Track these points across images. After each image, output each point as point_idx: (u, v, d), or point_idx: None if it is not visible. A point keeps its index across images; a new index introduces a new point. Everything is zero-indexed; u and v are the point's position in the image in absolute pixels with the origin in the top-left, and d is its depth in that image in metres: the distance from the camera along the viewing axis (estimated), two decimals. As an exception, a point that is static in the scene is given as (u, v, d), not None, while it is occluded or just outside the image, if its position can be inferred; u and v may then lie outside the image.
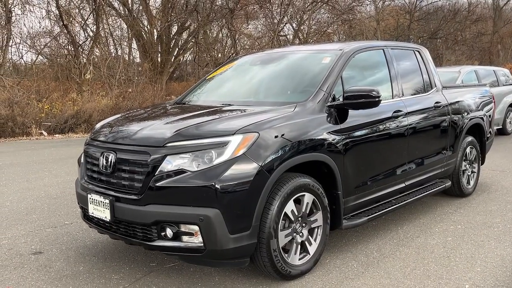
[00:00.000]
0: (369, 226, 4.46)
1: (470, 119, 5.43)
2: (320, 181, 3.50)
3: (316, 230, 3.50)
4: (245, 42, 25.71)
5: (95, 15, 18.03)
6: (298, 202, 3.36)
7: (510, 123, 11.64)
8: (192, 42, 22.21)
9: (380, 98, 3.70)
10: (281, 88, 4.23)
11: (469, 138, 5.53)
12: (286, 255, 3.28)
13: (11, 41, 16.72)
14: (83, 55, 17.60)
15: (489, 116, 5.96)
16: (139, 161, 3.15)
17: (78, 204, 3.81)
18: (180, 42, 22.53)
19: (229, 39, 25.06)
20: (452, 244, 3.99)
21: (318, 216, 3.49)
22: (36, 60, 18.93)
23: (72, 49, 17.43)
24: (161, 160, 3.05)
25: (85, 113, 14.03)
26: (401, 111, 4.32)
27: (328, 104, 3.68)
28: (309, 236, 3.45)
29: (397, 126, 4.25)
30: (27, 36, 18.59)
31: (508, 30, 37.16)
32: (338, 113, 3.71)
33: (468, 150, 5.50)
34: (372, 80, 4.50)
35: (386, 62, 4.51)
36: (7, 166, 8.10)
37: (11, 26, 16.15)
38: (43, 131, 13.35)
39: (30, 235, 4.42)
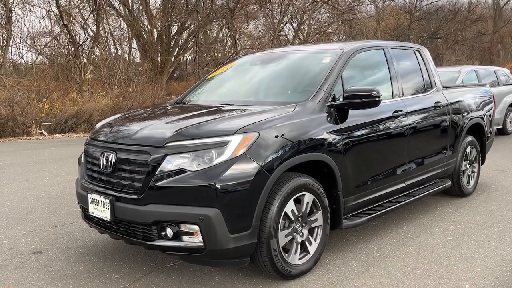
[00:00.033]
0: (369, 226, 4.47)
1: (470, 119, 5.43)
2: (320, 181, 3.50)
3: (316, 229, 3.50)
4: (245, 42, 25.72)
5: (95, 15, 18.04)
6: (298, 201, 3.36)
7: (510, 123, 11.64)
8: (192, 42, 22.22)
9: (380, 98, 3.70)
10: (281, 88, 4.23)
11: (469, 138, 5.53)
12: (286, 254, 3.28)
13: (11, 41, 16.76)
14: (83, 55, 17.62)
15: (489, 116, 5.96)
16: (139, 161, 3.15)
17: (78, 203, 3.81)
18: (180, 42, 22.54)
19: (229, 39, 25.06)
20: (452, 243, 3.99)
21: (318, 215, 3.49)
22: (36, 60, 18.96)
23: (72, 49, 17.45)
24: (161, 160, 3.06)
25: (85, 113, 14.04)
26: (401, 111, 4.32)
27: (328, 104, 3.69)
28: (309, 236, 3.46)
29: (397, 126, 4.25)
30: (27, 36, 18.66)
31: (508, 30, 37.15)
32: (338, 113, 3.71)
33: (468, 150, 5.50)
34: (372, 80, 4.50)
35: (386, 62, 4.51)
36: (8, 166, 8.11)
37: (11, 26, 16.18)
38: (43, 131, 13.35)
39: (30, 234, 4.42)
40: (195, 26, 20.58)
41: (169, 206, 3.02)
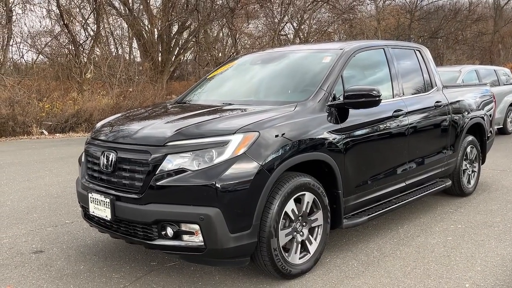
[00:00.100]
0: (370, 225, 4.47)
1: (471, 118, 5.43)
2: (320, 180, 3.50)
3: (316, 229, 3.50)
4: (246, 41, 25.72)
5: (95, 15, 18.05)
6: (298, 201, 3.36)
7: (510, 122, 11.63)
8: (193, 41, 22.21)
9: (381, 98, 3.70)
10: (282, 87, 4.23)
11: (470, 138, 5.53)
12: (286, 254, 3.29)
13: (11, 40, 16.74)
14: (84, 54, 17.62)
15: (490, 115, 5.96)
16: (140, 160, 3.15)
17: (79, 203, 3.81)
18: (180, 42, 22.53)
19: (229, 38, 25.08)
20: (453, 243, 4.00)
21: (319, 215, 3.49)
22: (36, 59, 18.95)
23: (73, 48, 17.45)
24: (161, 159, 3.06)
25: (85, 113, 14.04)
26: (401, 110, 4.32)
27: (329, 103, 3.69)
28: (310, 235, 3.46)
29: (397, 125, 4.25)
30: (27, 35, 18.67)
31: (508, 29, 37.13)
32: (338, 112, 3.71)
33: (468, 149, 5.50)
34: (373, 80, 4.51)
35: (386, 61, 4.51)
36: (8, 165, 8.11)
37: (12, 26, 16.17)
38: (43, 130, 13.36)
39: (30, 234, 4.42)
40: (196, 25, 20.57)
41: (169, 205, 3.02)
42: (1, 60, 15.85)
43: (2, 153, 9.67)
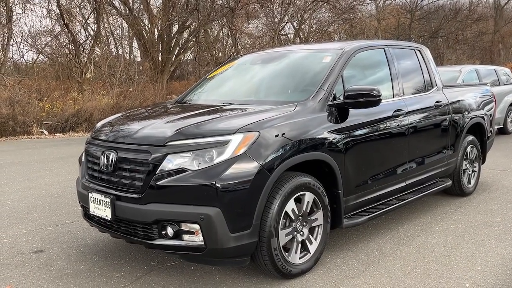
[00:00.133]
0: (370, 225, 4.47)
1: (471, 118, 5.43)
2: (320, 180, 3.50)
3: (316, 229, 3.50)
4: (246, 41, 25.71)
5: (96, 14, 18.05)
6: (298, 201, 3.36)
7: (511, 122, 11.63)
8: (193, 41, 22.21)
9: (381, 97, 3.70)
10: (282, 87, 4.23)
11: (470, 137, 5.53)
12: (286, 254, 3.29)
13: (12, 40, 16.75)
14: (84, 54, 17.62)
15: (490, 115, 5.95)
16: (140, 160, 3.16)
17: (79, 203, 3.81)
18: (181, 41, 22.53)
19: (229, 38, 25.07)
20: (453, 243, 4.00)
21: (319, 215, 3.49)
22: (37, 59, 18.94)
23: (73, 48, 17.45)
24: (162, 159, 3.06)
25: (86, 112, 14.04)
26: (401, 110, 4.32)
27: (329, 103, 3.69)
28: (310, 235, 3.46)
29: (397, 125, 4.25)
30: (28, 35, 18.67)
31: (509, 29, 37.11)
32: (338, 112, 3.71)
33: (468, 149, 5.50)
34: (373, 79, 4.51)
35: (387, 61, 4.51)
36: (8, 165, 8.12)
37: (12, 25, 16.17)
38: (44, 130, 13.36)
39: (31, 233, 4.42)
40: (196, 25, 20.57)
41: (169, 205, 3.02)
42: (2, 59, 15.86)
43: (2, 153, 9.67)
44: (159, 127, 3.36)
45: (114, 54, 21.24)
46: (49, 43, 18.72)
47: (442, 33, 33.24)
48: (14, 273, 3.52)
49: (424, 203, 5.23)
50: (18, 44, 17.76)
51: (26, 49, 19.70)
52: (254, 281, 3.32)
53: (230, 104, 3.94)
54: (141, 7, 21.36)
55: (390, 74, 4.49)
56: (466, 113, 5.35)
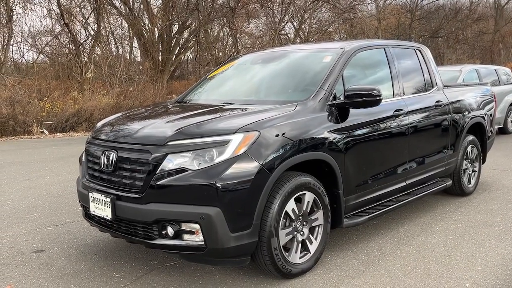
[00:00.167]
0: (370, 225, 4.47)
1: (471, 118, 5.43)
2: (321, 180, 3.50)
3: (317, 228, 3.50)
4: (246, 41, 25.69)
5: (96, 14, 18.06)
6: (299, 200, 3.36)
7: (511, 122, 11.62)
8: (193, 41, 22.20)
9: (381, 97, 3.70)
10: (282, 87, 4.23)
11: (470, 137, 5.53)
12: (287, 253, 3.29)
13: (12, 39, 16.75)
14: (84, 53, 17.63)
15: (490, 115, 5.95)
16: (140, 160, 3.16)
17: (79, 202, 3.81)
18: (181, 41, 22.52)
19: (230, 38, 25.05)
20: (453, 243, 4.00)
21: (319, 214, 3.49)
22: (37, 59, 18.95)
23: (73, 48, 17.46)
24: (162, 159, 3.06)
25: (86, 112, 14.05)
26: (402, 110, 4.32)
27: (329, 103, 3.69)
28: (310, 235, 3.46)
29: (398, 125, 4.25)
30: (28, 34, 18.65)
31: (509, 29, 37.07)
32: (339, 112, 3.71)
33: (469, 149, 5.50)
34: (373, 79, 4.51)
35: (387, 61, 4.51)
36: (9, 165, 8.12)
37: (12, 25, 16.18)
38: (44, 130, 13.37)
39: (31, 233, 4.43)
40: (196, 25, 20.56)
41: (170, 205, 3.03)
42: (2, 59, 15.86)
43: (2, 153, 9.68)
44: (160, 127, 3.37)
45: (114, 53, 21.22)
46: (50, 42, 18.75)
47: (442, 33, 33.22)
48: (14, 273, 3.53)
49: (425, 202, 5.23)
50: (18, 43, 17.80)
51: (26, 49, 19.72)
52: (254, 280, 3.32)
53: (231, 103, 3.94)
54: (142, 6, 21.35)
55: (391, 74, 4.49)
56: (467, 112, 5.35)
